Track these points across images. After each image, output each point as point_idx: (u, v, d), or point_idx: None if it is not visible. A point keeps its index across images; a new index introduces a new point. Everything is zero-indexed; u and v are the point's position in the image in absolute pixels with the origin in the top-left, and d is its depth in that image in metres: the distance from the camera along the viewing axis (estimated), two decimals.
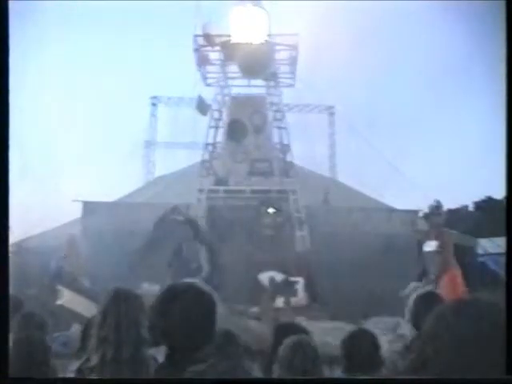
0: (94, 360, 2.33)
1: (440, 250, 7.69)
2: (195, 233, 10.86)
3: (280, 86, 15.16)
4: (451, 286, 7.44)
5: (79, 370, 2.44)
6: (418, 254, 8.43)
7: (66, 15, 16.80)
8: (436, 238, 7.81)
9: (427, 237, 8.08)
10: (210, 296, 2.13)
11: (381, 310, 10.10)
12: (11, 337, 3.28)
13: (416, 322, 3.54)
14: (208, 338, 2.06)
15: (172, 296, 2.09)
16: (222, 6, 15.13)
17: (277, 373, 2.81)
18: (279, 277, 11.01)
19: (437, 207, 8.31)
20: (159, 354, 2.24)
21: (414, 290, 7.58)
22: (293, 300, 11.26)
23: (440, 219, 8.21)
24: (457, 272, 7.72)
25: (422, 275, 8.02)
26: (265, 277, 10.92)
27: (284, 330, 3.43)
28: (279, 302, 10.90)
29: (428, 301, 3.57)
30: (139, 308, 2.47)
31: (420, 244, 8.56)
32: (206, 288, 2.17)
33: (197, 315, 2.03)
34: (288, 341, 2.90)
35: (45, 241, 12.73)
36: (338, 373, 3.44)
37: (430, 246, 7.88)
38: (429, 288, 7.32)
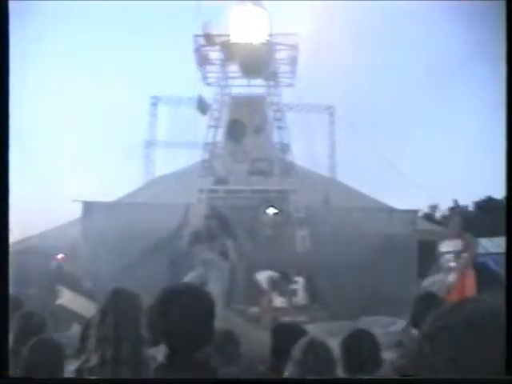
0: (94, 360, 2.32)
1: (463, 250, 7.59)
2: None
3: (280, 86, 15.15)
4: (466, 287, 7.38)
5: (79, 370, 2.43)
6: (432, 253, 8.32)
7: (66, 15, 16.81)
8: (457, 239, 7.70)
9: (445, 237, 7.95)
10: (209, 296, 2.13)
11: (381, 310, 10.11)
12: (19, 338, 3.29)
13: (416, 322, 3.54)
14: (207, 339, 2.07)
15: (171, 297, 2.09)
16: (221, 6, 15.15)
17: (290, 373, 2.79)
18: (277, 275, 11.01)
19: (455, 207, 8.31)
20: (159, 353, 2.24)
21: (432, 284, 7.54)
22: (293, 300, 11.27)
23: (460, 219, 8.14)
24: (472, 274, 7.66)
25: (436, 274, 7.91)
26: (262, 276, 10.91)
27: (282, 330, 3.43)
28: (280, 301, 10.92)
29: (428, 301, 3.58)
30: (138, 307, 2.46)
31: (434, 244, 8.49)
32: (205, 288, 2.18)
33: (196, 316, 2.03)
34: (302, 342, 2.88)
35: (45, 241, 12.73)
36: (338, 373, 3.44)
37: (451, 246, 7.76)
38: (442, 286, 7.28)
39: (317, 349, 2.82)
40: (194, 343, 2.01)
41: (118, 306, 2.42)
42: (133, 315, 2.41)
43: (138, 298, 2.51)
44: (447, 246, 7.83)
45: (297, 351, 2.82)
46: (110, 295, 2.48)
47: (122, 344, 2.33)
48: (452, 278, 7.57)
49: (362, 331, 3.58)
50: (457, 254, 7.65)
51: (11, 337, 3.31)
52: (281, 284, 10.88)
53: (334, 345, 3.21)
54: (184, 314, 2.01)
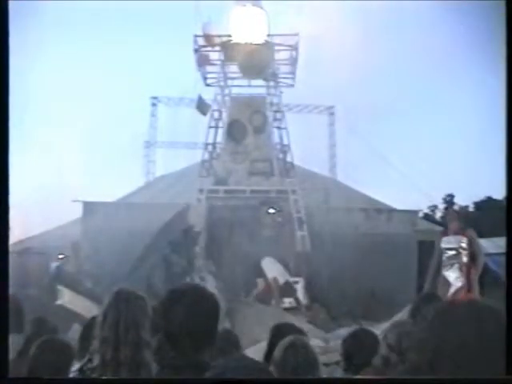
0: (96, 361, 2.32)
1: (467, 247, 7.48)
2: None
3: (280, 86, 15.16)
4: (469, 285, 7.31)
5: (80, 371, 2.42)
6: (434, 250, 8.20)
7: (66, 16, 16.83)
8: (459, 235, 7.57)
9: (446, 233, 7.80)
10: (214, 297, 2.13)
11: (380, 310, 10.10)
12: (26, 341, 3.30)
13: (415, 321, 3.53)
14: (211, 339, 2.06)
15: (175, 297, 2.09)
16: (222, 5, 15.17)
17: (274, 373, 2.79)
18: (282, 278, 11.02)
19: (451, 205, 8.13)
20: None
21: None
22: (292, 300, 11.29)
23: (457, 213, 7.99)
24: (475, 271, 7.58)
25: (437, 272, 7.79)
26: (267, 264, 10.90)
27: (280, 330, 3.42)
28: (288, 302, 10.95)
29: (428, 301, 3.57)
30: (140, 309, 2.44)
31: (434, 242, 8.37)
32: (209, 289, 2.17)
33: (200, 316, 2.03)
34: (283, 342, 2.88)
35: (45, 241, 12.74)
36: (338, 373, 3.43)
37: (453, 242, 7.61)
38: (458, 284, 7.20)
39: (298, 349, 2.81)
40: (197, 344, 2.01)
41: (119, 307, 2.40)
42: (135, 317, 2.39)
43: (142, 299, 2.49)
44: (449, 242, 7.67)
45: (278, 351, 2.82)
46: (113, 296, 2.46)
47: (121, 346, 2.31)
48: (454, 275, 7.44)
49: (363, 330, 3.57)
50: (459, 251, 7.51)
51: (22, 341, 3.33)
52: (286, 289, 10.91)
53: None
54: (188, 314, 2.00)
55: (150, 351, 2.38)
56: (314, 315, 10.70)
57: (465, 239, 7.49)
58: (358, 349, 3.22)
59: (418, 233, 13.55)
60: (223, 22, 14.86)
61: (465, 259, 7.44)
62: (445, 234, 7.74)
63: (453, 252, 7.53)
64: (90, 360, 2.38)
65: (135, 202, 15.89)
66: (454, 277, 7.40)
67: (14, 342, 3.06)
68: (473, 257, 7.50)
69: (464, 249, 7.45)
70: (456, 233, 7.60)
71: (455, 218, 7.85)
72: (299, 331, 3.43)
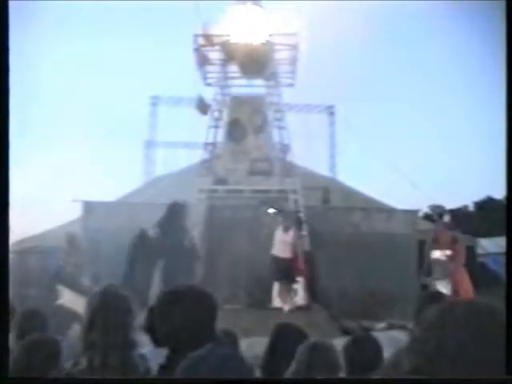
0: (83, 364, 2.27)
1: (452, 257, 7.50)
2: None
3: (280, 86, 15.15)
4: (462, 290, 7.33)
5: (68, 374, 2.36)
6: (424, 257, 8.23)
7: (66, 15, 16.83)
8: (446, 243, 7.58)
9: (435, 241, 7.82)
10: (212, 297, 2.13)
11: (381, 310, 10.11)
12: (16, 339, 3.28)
13: (418, 322, 3.53)
14: (209, 340, 2.06)
15: (173, 298, 2.09)
16: (221, 5, 15.16)
17: (293, 374, 2.77)
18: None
19: (440, 210, 8.16)
20: (158, 355, 2.22)
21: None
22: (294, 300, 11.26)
23: (445, 223, 8.06)
24: (465, 275, 7.59)
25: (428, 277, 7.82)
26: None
27: (282, 330, 3.41)
28: (280, 302, 10.91)
29: (431, 301, 3.56)
30: (126, 309, 2.38)
31: (423, 246, 8.41)
32: (207, 290, 2.16)
33: (198, 317, 2.03)
34: (306, 343, 2.87)
35: (45, 241, 12.74)
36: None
37: (440, 253, 7.64)
38: (441, 288, 7.24)
39: (322, 351, 2.81)
40: (195, 345, 2.01)
41: (104, 309, 2.33)
42: (119, 318, 2.33)
43: (126, 299, 2.43)
44: (438, 255, 7.67)
45: (302, 353, 2.80)
46: (97, 297, 2.40)
47: (108, 349, 2.26)
48: (444, 284, 7.43)
49: (365, 336, 3.57)
50: (447, 262, 7.52)
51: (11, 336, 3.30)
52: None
53: None
54: (186, 315, 2.00)
55: (137, 352, 2.35)
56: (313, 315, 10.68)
57: (452, 252, 7.52)
58: (360, 354, 3.22)
59: (418, 232, 13.54)
60: (223, 22, 14.86)
61: (452, 268, 7.47)
62: (434, 246, 7.75)
63: (440, 264, 7.56)
64: (76, 363, 2.35)
65: (135, 201, 15.87)
66: (440, 286, 7.42)
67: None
68: (462, 264, 7.54)
69: (452, 259, 7.48)
70: (445, 246, 7.62)
71: (445, 230, 7.88)
72: (300, 331, 3.43)
